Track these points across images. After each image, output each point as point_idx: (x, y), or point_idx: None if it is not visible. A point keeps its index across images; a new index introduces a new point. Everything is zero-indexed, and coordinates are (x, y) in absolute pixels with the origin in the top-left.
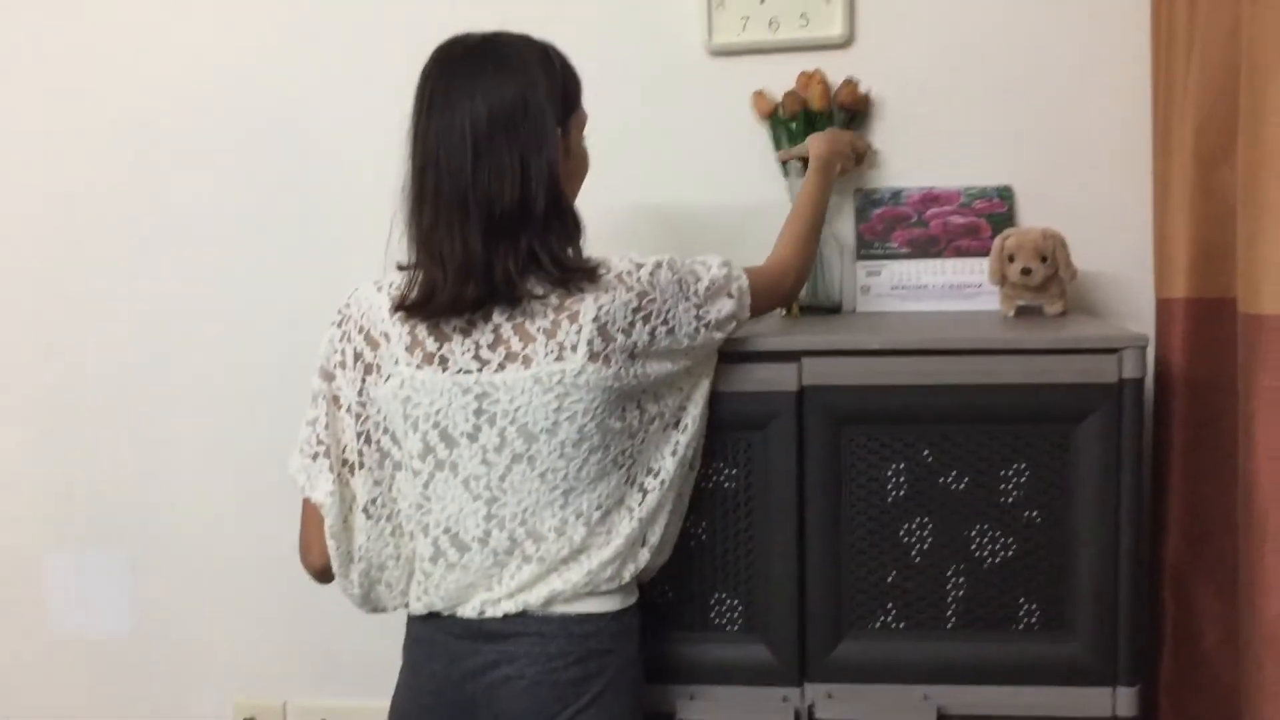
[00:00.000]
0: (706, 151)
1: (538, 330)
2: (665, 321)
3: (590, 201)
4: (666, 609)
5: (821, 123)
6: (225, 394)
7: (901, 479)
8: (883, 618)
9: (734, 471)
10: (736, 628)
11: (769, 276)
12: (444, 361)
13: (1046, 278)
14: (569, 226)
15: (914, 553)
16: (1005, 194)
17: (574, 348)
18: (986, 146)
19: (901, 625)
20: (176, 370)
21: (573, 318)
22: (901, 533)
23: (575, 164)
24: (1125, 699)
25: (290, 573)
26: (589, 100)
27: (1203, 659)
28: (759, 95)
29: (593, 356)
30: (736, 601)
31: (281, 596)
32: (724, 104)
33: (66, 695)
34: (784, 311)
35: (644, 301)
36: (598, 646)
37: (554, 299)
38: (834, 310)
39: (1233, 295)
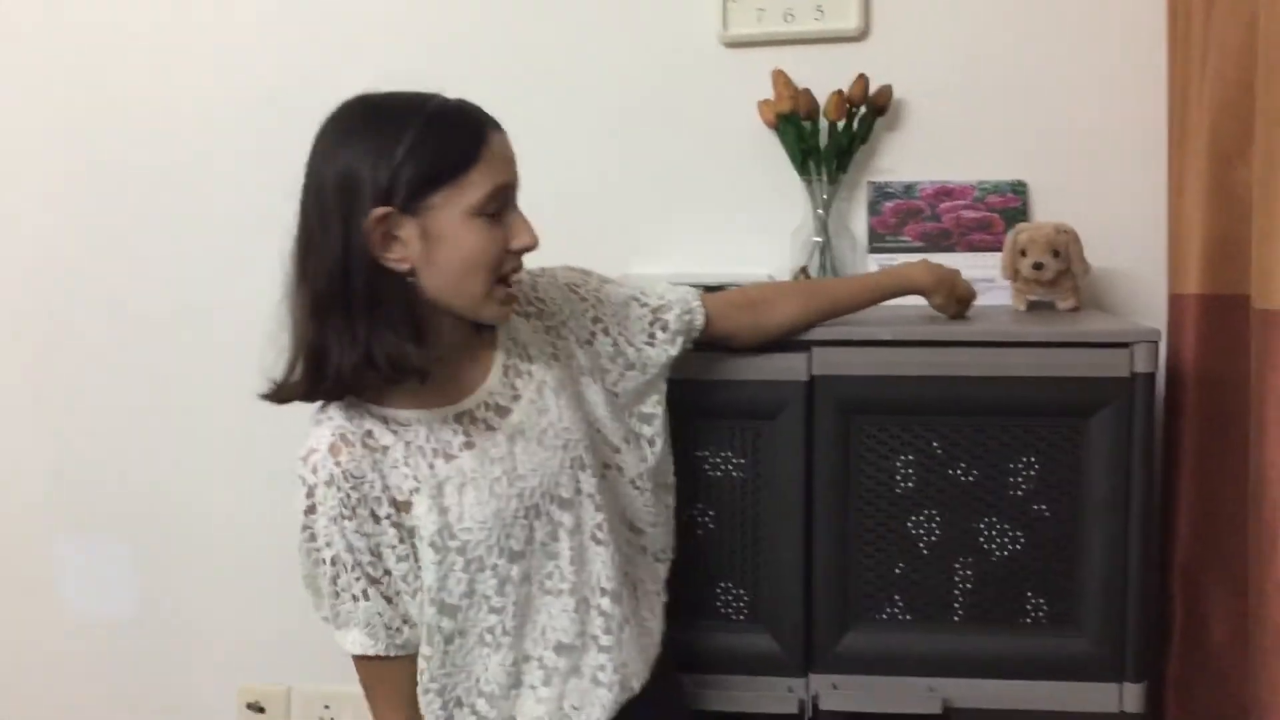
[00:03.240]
0: (719, 144)
1: None
2: None
3: (600, 199)
4: (671, 598)
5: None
6: (232, 381)
7: (910, 470)
8: (889, 609)
9: (742, 460)
10: (742, 617)
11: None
12: None
13: (1059, 273)
14: (397, 317)
15: (922, 544)
16: (1019, 189)
17: None
18: (1000, 141)
19: (908, 617)
20: (183, 357)
21: None
22: (910, 524)
23: (442, 249)
24: (1132, 695)
25: (294, 558)
26: (596, 93)
27: (1211, 656)
28: (764, 104)
29: None
30: (742, 591)
31: (286, 583)
32: (738, 95)
33: (72, 681)
34: None
35: None
36: None
37: None
38: None
39: (1246, 292)
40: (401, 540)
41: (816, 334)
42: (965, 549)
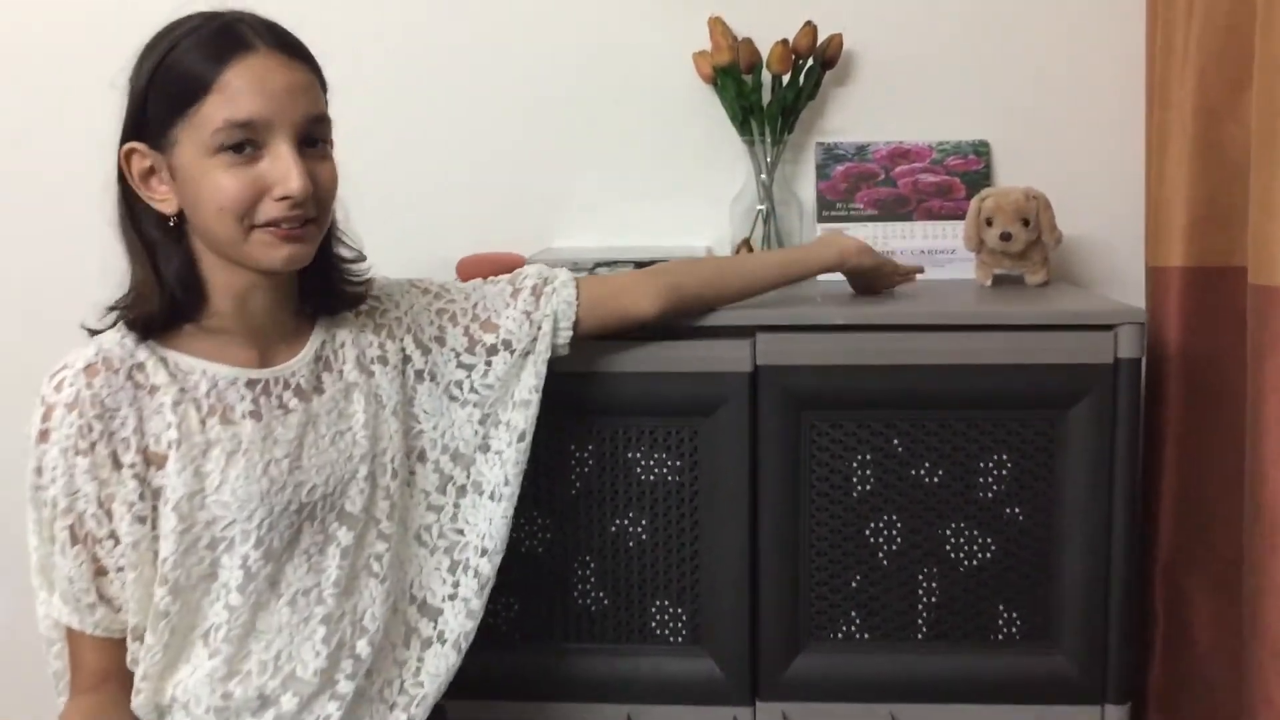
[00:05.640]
0: (650, 101)
1: None
2: None
3: (518, 164)
4: (601, 618)
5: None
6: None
7: (868, 471)
8: (845, 627)
9: (678, 463)
10: (680, 639)
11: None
12: None
13: (1028, 243)
14: (171, 259)
15: (881, 554)
16: (982, 150)
17: None
18: (961, 97)
19: (866, 636)
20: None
21: None
22: (868, 532)
23: (189, 189)
24: (1115, 718)
25: None
26: (516, 43)
27: (1196, 665)
28: (699, 56)
29: None
30: (680, 610)
31: None
32: (671, 46)
33: None
34: None
35: None
36: None
37: None
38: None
39: (1236, 264)
40: (142, 498)
41: (762, 319)
42: (930, 558)
